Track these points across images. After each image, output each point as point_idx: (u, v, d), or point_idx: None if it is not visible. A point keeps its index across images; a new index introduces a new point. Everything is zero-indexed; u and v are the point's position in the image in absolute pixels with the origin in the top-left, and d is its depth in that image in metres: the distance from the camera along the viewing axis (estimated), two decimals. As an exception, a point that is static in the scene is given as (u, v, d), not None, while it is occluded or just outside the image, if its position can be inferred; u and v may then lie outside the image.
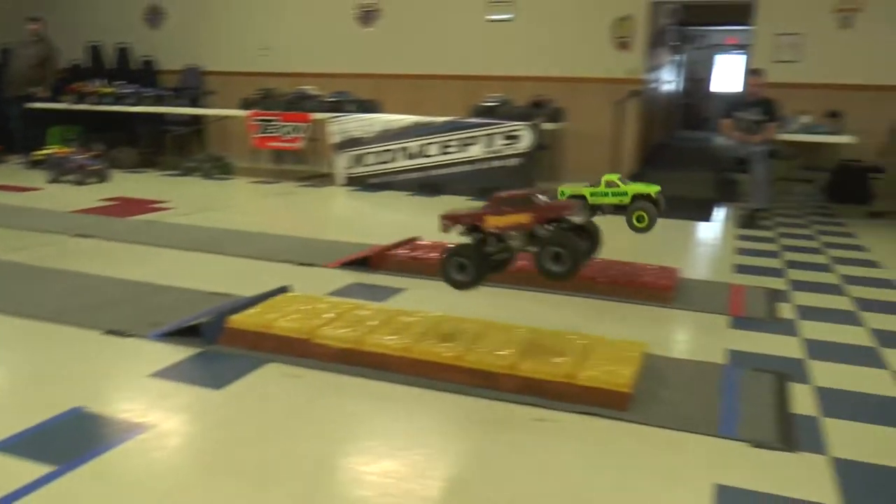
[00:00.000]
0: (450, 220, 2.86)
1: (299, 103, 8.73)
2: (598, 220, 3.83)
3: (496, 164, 7.56)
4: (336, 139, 8.24)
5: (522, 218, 2.70)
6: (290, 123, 8.58)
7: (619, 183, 4.17)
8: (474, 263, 2.74)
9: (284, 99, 8.86)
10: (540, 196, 2.77)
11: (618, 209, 4.18)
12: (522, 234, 2.75)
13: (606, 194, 4.16)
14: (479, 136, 7.59)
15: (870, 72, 8.14)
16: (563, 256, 2.67)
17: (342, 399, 2.65)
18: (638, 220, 4.13)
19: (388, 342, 2.86)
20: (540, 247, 2.69)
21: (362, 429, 2.43)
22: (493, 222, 2.77)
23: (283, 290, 3.62)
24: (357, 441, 2.36)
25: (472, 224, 2.82)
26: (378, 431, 2.43)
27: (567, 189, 4.22)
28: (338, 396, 2.67)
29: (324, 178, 8.46)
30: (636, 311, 3.83)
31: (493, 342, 2.84)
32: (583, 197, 4.13)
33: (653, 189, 4.16)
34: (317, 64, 10.07)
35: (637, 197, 4.15)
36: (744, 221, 6.63)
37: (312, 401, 2.63)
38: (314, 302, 3.40)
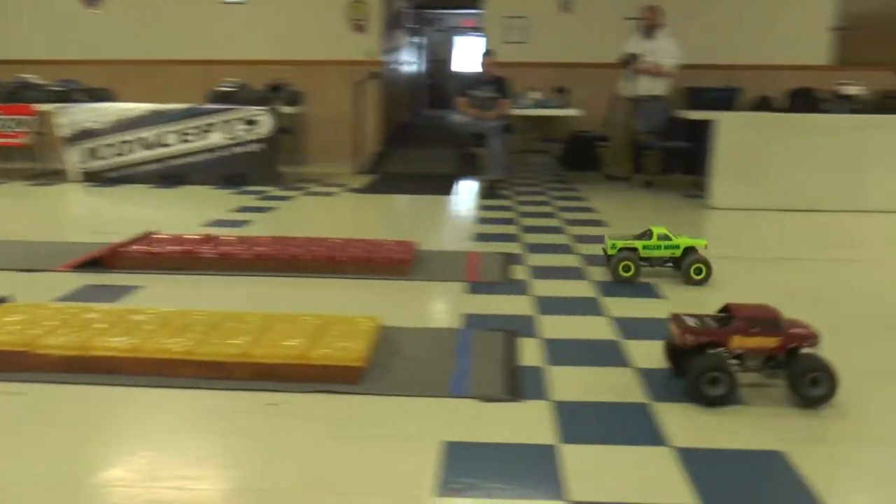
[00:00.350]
0: (691, 334, 2.59)
1: (20, 94, 7.95)
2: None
3: (237, 150, 7.38)
4: (66, 132, 7.60)
5: (771, 342, 2.55)
6: (12, 117, 7.79)
7: (672, 236, 4.13)
8: (729, 376, 2.50)
9: (3, 89, 8.03)
10: (783, 318, 2.62)
11: (668, 260, 4.15)
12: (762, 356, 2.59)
13: (659, 247, 4.11)
14: (218, 122, 7.36)
15: (589, 51, 8.89)
16: (821, 380, 2.49)
17: (67, 412, 2.47)
18: (696, 273, 4.04)
19: (116, 344, 2.70)
20: (793, 373, 2.52)
21: (90, 440, 2.28)
22: (740, 343, 2.57)
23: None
24: (81, 455, 2.20)
25: (713, 341, 2.59)
26: (105, 440, 2.29)
27: (619, 242, 4.13)
28: (62, 409, 2.48)
29: (56, 175, 7.77)
30: (376, 286, 3.92)
31: (226, 332, 2.78)
32: (635, 249, 4.10)
33: (701, 242, 4.16)
34: (39, 50, 9.20)
35: (688, 249, 4.11)
36: (484, 193, 7.02)
37: (34, 418, 2.42)
38: (36, 310, 3.13)
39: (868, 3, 9.01)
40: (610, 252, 4.13)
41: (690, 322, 2.64)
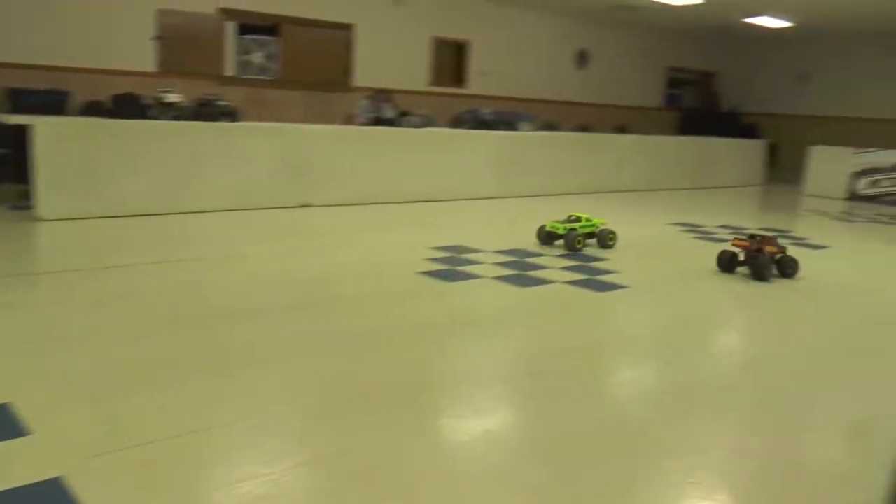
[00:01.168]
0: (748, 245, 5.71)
1: None
2: None
3: None
4: None
5: (773, 249, 5.69)
6: None
7: (585, 217, 6.51)
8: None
9: None
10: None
11: (589, 236, 6.49)
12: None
13: (584, 226, 6.46)
14: None
15: None
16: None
17: None
18: (610, 240, 6.47)
19: None
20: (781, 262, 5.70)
21: None
22: (769, 249, 5.67)
23: None
24: None
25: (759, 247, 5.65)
26: None
27: (550, 224, 6.45)
28: None
29: None
30: None
31: None
32: (574, 229, 6.34)
33: (602, 221, 6.64)
34: None
35: (602, 227, 6.51)
36: None
37: None
38: None
39: (180, 16, 9.84)
40: (561, 231, 6.33)
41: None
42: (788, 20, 13.61)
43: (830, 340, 4.23)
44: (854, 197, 12.33)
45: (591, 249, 6.33)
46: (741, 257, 5.77)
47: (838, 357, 3.92)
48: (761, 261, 5.52)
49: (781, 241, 6.35)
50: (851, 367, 3.76)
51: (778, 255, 5.70)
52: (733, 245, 5.78)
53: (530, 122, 10.54)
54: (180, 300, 4.27)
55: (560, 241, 6.48)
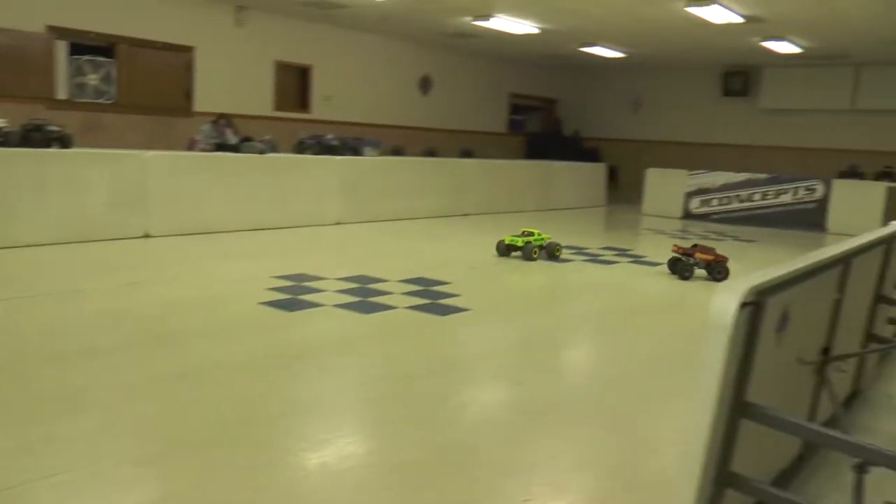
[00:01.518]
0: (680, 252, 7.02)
1: None
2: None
3: None
4: None
5: (709, 257, 6.88)
6: None
7: (537, 232, 7.67)
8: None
9: None
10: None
11: (541, 248, 7.58)
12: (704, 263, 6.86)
13: (540, 239, 7.62)
14: None
15: None
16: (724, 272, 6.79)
17: None
18: (557, 251, 7.62)
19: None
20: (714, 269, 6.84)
21: None
22: (700, 256, 6.91)
23: None
24: None
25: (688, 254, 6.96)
26: None
27: (508, 238, 7.62)
28: None
29: None
30: None
31: None
32: (530, 242, 7.54)
33: (547, 237, 7.70)
34: None
35: (549, 241, 7.67)
36: None
37: None
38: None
39: (4, 34, 9.25)
40: (520, 244, 7.51)
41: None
42: (621, 51, 14.47)
43: (664, 354, 4.50)
44: (688, 215, 13.23)
45: (439, 273, 6.44)
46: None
47: (670, 369, 4.19)
48: (684, 263, 6.91)
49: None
50: (685, 377, 4.02)
51: (711, 261, 6.90)
52: (673, 251, 7.14)
53: (375, 147, 10.62)
54: (3, 343, 3.99)
55: (517, 253, 7.63)
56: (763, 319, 1.84)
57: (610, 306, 5.89)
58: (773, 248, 9.86)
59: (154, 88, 10.83)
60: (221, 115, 9.83)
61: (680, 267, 6.96)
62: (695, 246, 7.14)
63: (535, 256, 7.48)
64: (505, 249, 7.59)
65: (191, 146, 9.24)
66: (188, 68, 11.19)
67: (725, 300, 1.66)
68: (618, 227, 12.19)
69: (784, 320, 2.11)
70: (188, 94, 11.23)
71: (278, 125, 12.02)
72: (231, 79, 11.67)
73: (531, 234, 7.66)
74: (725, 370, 1.69)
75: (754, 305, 1.77)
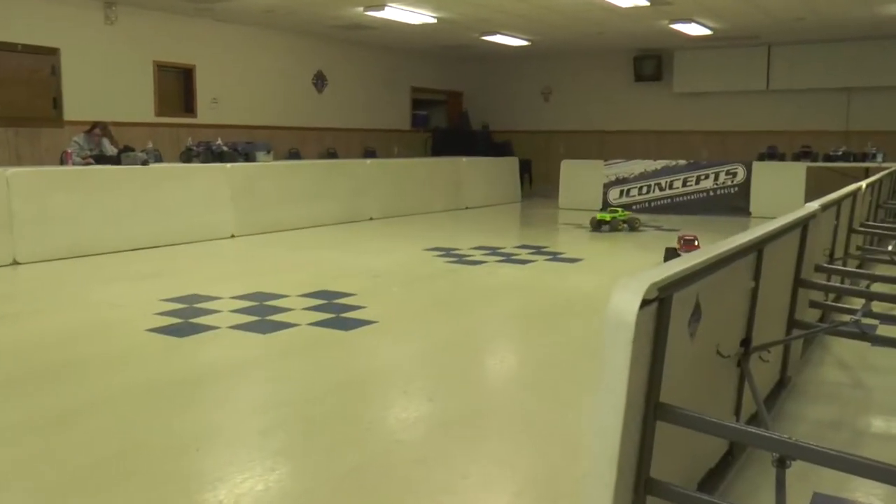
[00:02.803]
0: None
1: None
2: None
3: None
4: None
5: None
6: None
7: (620, 210, 10.56)
8: None
9: None
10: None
11: (623, 222, 10.39)
12: None
13: (620, 215, 10.45)
14: None
15: None
16: None
17: None
18: (637, 225, 10.44)
19: None
20: None
21: None
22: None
23: None
24: None
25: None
26: None
27: (599, 215, 10.55)
28: None
29: None
30: None
31: None
32: (615, 217, 10.39)
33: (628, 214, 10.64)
34: None
35: (630, 216, 10.53)
36: None
37: None
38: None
39: None
40: (608, 219, 10.36)
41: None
42: (525, 39, 14.69)
43: (584, 357, 4.57)
44: (607, 207, 13.44)
45: (342, 284, 6.37)
46: None
47: (589, 372, 4.24)
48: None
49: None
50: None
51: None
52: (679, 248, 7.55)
53: (268, 151, 10.47)
54: None
55: (606, 227, 10.27)
56: (671, 315, 1.87)
57: (525, 309, 5.95)
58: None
59: (15, 96, 10.38)
60: (96, 124, 9.51)
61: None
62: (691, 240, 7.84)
63: (620, 228, 10.25)
64: (596, 224, 10.35)
65: (64, 160, 8.90)
66: (54, 72, 10.77)
67: (624, 299, 1.68)
68: (533, 224, 12.37)
69: (696, 314, 2.16)
70: (56, 102, 10.81)
71: (161, 132, 11.71)
72: (105, 83, 11.28)
73: (615, 211, 10.59)
74: (632, 371, 1.71)
75: (658, 302, 1.79)
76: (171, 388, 3.88)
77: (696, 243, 7.57)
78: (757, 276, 2.84)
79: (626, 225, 10.39)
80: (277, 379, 4.10)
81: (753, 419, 3.06)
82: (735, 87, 15.47)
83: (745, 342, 2.85)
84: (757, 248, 2.75)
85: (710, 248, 2.25)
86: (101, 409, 3.57)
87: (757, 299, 2.87)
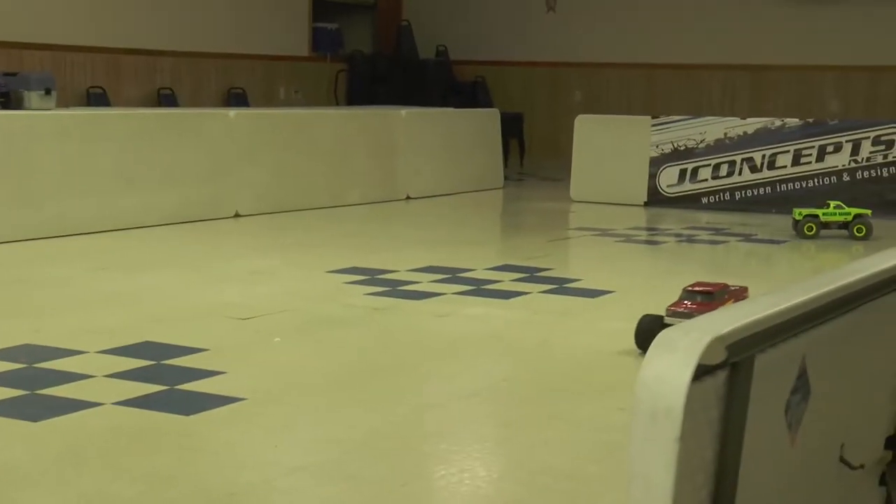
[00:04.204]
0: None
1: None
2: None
3: None
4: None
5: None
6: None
7: (844, 206, 11.03)
8: None
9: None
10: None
11: (841, 225, 10.97)
12: None
13: (835, 214, 10.93)
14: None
15: None
16: None
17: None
18: (858, 231, 10.91)
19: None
20: None
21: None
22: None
23: None
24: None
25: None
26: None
27: (803, 210, 11.05)
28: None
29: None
30: None
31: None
32: (817, 216, 10.88)
33: (867, 211, 11.05)
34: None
35: (857, 216, 10.92)
36: None
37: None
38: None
39: None
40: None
41: None
42: None
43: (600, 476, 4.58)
44: (657, 200, 13.49)
45: (182, 332, 6.34)
46: None
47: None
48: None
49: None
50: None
51: None
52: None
53: (48, 90, 10.35)
54: None
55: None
56: (751, 392, 1.87)
57: (506, 382, 5.98)
58: (817, 253, 10.32)
59: None
60: None
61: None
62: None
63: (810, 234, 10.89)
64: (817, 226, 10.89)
65: None
66: None
67: (668, 366, 1.67)
68: (525, 228, 12.44)
69: (801, 390, 2.17)
70: None
71: None
72: None
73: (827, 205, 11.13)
74: (678, 491, 1.70)
75: (730, 368, 1.80)
76: None
77: (726, 297, 6.33)
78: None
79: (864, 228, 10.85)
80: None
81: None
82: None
83: (892, 442, 2.88)
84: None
85: (835, 274, 2.27)
86: None
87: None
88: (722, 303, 5.95)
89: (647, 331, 5.69)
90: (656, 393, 1.68)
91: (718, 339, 1.73)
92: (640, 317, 6.00)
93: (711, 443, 1.86)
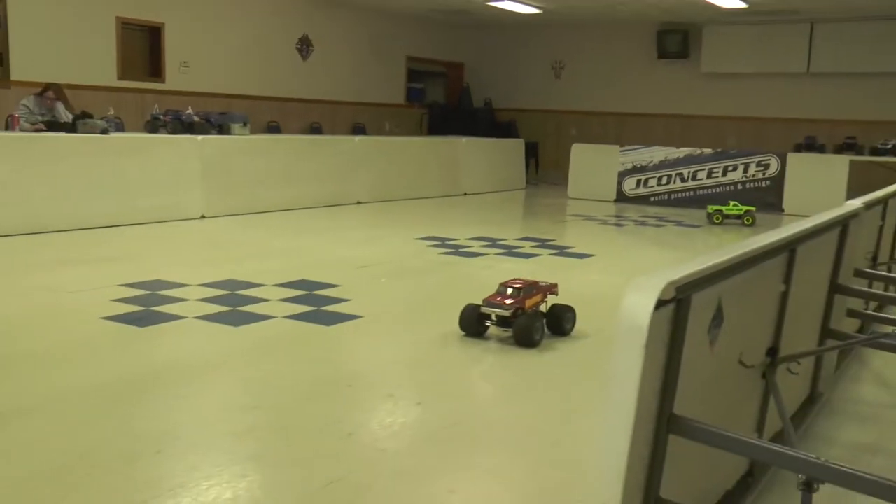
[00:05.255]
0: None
1: None
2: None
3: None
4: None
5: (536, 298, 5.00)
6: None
7: (739, 204, 11.20)
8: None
9: None
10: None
11: (737, 217, 10.98)
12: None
13: (733, 209, 11.05)
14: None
15: None
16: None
17: None
18: (747, 221, 10.86)
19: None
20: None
21: None
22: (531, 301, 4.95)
23: None
24: None
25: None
26: None
27: (713, 206, 11.20)
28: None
29: None
30: None
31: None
32: (722, 210, 11.07)
33: (753, 208, 11.15)
34: None
35: (747, 211, 10.96)
36: None
37: None
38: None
39: None
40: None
41: None
42: (535, 6, 14.70)
43: (590, 364, 4.59)
44: (623, 198, 13.54)
45: (324, 274, 6.40)
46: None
47: (599, 380, 4.28)
48: (524, 322, 4.75)
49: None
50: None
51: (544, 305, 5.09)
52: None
53: (245, 123, 10.47)
54: None
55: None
56: (689, 318, 1.90)
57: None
58: (721, 233, 10.23)
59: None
60: (49, 86, 9.51)
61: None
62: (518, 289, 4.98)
63: (747, 223, 10.86)
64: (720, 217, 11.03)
65: (10, 125, 8.90)
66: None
67: (638, 299, 1.70)
68: (539, 214, 12.41)
69: (718, 318, 2.19)
70: (1, 58, 10.78)
71: (124, 98, 11.72)
72: (60, 38, 11.27)
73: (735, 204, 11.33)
74: (644, 379, 1.73)
75: (676, 303, 1.82)
76: (129, 385, 3.90)
77: (534, 292, 4.99)
78: (788, 280, 2.87)
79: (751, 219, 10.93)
80: (249, 377, 4.12)
81: (778, 438, 3.09)
82: (771, 69, 15.49)
83: (772, 352, 2.88)
84: (789, 249, 2.78)
85: (736, 245, 2.28)
86: (46, 409, 3.58)
87: (787, 305, 2.90)
88: (529, 296, 4.87)
89: (468, 316, 4.83)
90: (631, 315, 1.72)
91: (671, 283, 1.75)
92: (482, 299, 4.86)
93: (664, 349, 1.88)
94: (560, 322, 5.00)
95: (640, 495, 1.95)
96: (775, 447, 2.07)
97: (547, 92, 17.81)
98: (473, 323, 4.86)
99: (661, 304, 1.74)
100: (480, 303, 4.85)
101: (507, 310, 4.76)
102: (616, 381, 1.76)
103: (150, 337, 4.69)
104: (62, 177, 8.30)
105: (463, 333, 4.87)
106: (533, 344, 4.71)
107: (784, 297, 2.88)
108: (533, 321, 4.75)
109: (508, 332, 4.82)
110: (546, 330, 4.90)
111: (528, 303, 4.89)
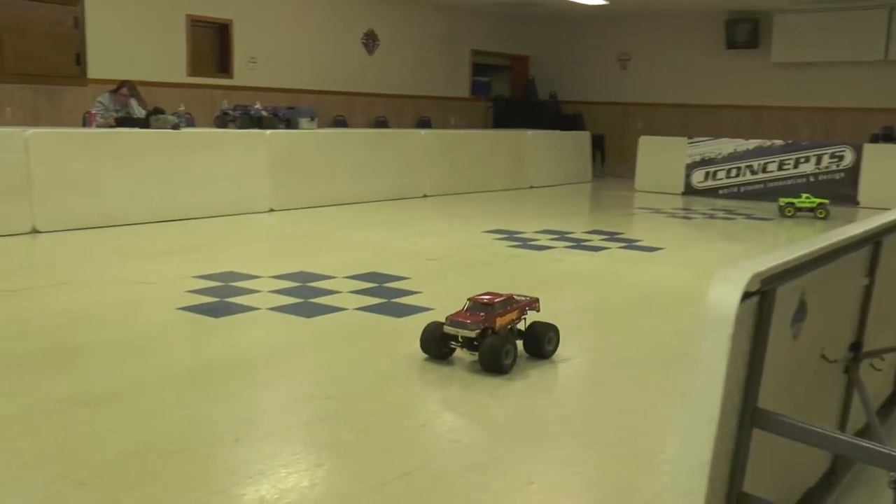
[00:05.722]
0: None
1: None
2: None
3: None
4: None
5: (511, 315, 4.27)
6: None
7: (811, 196, 10.80)
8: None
9: None
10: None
11: (809, 210, 10.67)
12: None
13: (805, 202, 10.71)
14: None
15: None
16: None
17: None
18: (820, 214, 10.56)
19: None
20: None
21: None
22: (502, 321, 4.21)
23: None
24: None
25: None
26: None
27: (784, 199, 10.98)
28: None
29: None
30: None
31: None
32: (794, 203, 10.79)
33: (826, 200, 10.71)
34: None
35: (820, 204, 10.59)
36: None
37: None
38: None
39: None
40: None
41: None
42: (602, -3, 14.59)
43: (663, 357, 4.55)
44: (691, 191, 13.37)
45: (394, 267, 6.44)
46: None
47: (670, 374, 4.24)
48: (491, 343, 4.07)
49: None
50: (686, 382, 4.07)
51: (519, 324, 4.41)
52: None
53: (312, 117, 10.57)
54: None
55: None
56: (773, 311, 1.87)
57: (595, 302, 5.95)
58: (792, 227, 10.05)
59: (34, 51, 10.65)
60: (123, 83, 9.72)
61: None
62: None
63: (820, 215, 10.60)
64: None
65: (87, 121, 9.12)
66: (77, 25, 11.01)
67: (725, 290, 1.69)
68: (606, 207, 12.33)
69: (801, 311, 2.16)
70: (79, 58, 11.06)
71: (194, 94, 11.94)
72: (133, 37, 11.52)
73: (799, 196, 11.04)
74: (729, 371, 1.72)
75: (761, 295, 1.80)
76: (205, 373, 3.98)
77: (508, 308, 4.29)
78: (872, 273, 2.81)
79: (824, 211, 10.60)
80: (322, 367, 4.17)
81: (861, 435, 3.03)
82: (845, 57, 15.12)
83: (856, 346, 2.83)
84: (874, 241, 2.72)
85: (820, 238, 2.24)
86: (126, 395, 3.66)
87: (871, 299, 2.85)
88: (503, 314, 4.20)
89: (430, 334, 4.19)
90: (718, 306, 1.70)
91: (756, 276, 1.73)
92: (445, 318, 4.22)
93: (748, 342, 1.86)
94: (539, 343, 4.30)
95: (724, 490, 1.93)
96: (865, 443, 2.03)
97: (613, 84, 17.65)
98: (435, 344, 4.21)
99: (746, 295, 1.72)
100: (444, 321, 4.18)
101: (472, 329, 4.07)
102: (701, 373, 1.75)
103: (225, 327, 4.77)
104: (135, 171, 8.48)
105: (425, 356, 4.23)
106: (502, 370, 4.01)
107: (868, 290, 2.83)
108: (503, 343, 4.05)
109: (475, 356, 4.13)
110: (524, 351, 4.30)
111: (501, 321, 4.17)
